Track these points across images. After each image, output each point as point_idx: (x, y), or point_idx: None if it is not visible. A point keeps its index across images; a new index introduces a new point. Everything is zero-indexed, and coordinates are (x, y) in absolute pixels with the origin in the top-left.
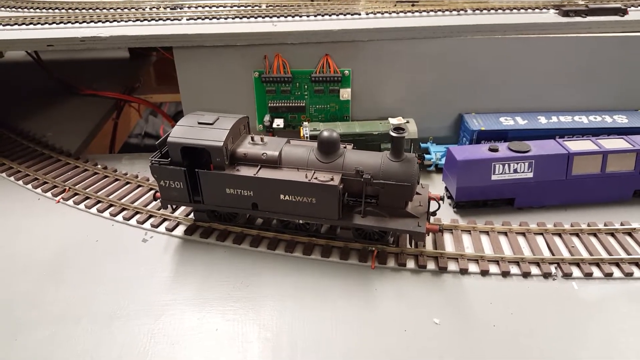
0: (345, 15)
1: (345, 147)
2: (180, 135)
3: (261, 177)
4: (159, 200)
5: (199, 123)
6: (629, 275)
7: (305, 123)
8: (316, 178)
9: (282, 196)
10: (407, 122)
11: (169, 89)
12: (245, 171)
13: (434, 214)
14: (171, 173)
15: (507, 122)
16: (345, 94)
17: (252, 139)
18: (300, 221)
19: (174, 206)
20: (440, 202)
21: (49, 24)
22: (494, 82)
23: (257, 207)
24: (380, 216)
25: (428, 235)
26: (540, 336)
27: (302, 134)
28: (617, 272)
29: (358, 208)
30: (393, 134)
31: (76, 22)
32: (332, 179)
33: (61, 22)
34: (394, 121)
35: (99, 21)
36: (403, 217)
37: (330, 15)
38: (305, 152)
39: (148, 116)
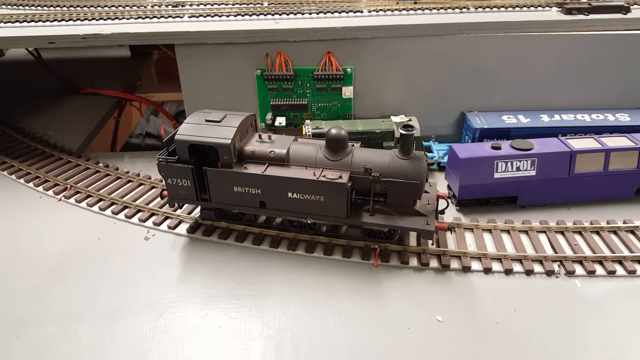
0: (347, 12)
1: (353, 145)
2: (187, 132)
3: (269, 174)
4: (166, 198)
5: (207, 121)
6: (631, 272)
7: (308, 121)
8: (324, 176)
9: (290, 194)
10: (410, 120)
11: (170, 88)
12: (253, 169)
13: (442, 212)
14: (178, 171)
15: (509, 120)
16: (347, 92)
17: (260, 136)
18: (309, 221)
19: (179, 204)
20: (449, 200)
21: (50, 22)
22: (496, 81)
23: (265, 205)
24: (388, 214)
25: (436, 234)
26: (543, 334)
27: (304, 132)
28: (620, 270)
29: (366, 206)
30: (402, 132)
31: (78, 19)
32: (340, 177)
33: (62, 20)
34: (396, 119)
35: (101, 18)
36: (411, 216)
37: (332, 13)
38: (313, 150)
39: (149, 116)
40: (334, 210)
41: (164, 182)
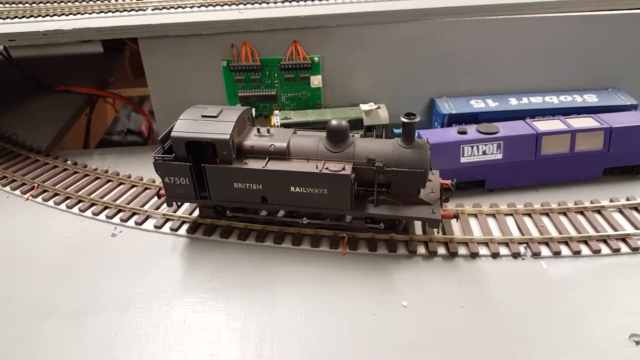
0: (312, 0)
1: (354, 136)
2: (184, 129)
3: (270, 169)
4: (163, 198)
5: (203, 116)
6: (596, 252)
7: (276, 112)
8: (327, 168)
9: (292, 188)
10: (379, 107)
11: (145, 83)
12: (254, 164)
13: (447, 200)
14: (176, 169)
15: (477, 104)
16: (316, 81)
17: (258, 130)
18: (304, 221)
19: (177, 203)
20: (453, 187)
21: (11, 19)
22: (464, 65)
23: (267, 201)
24: (393, 204)
25: (442, 222)
26: (509, 315)
27: (272, 123)
28: (585, 250)
29: (370, 197)
30: (404, 120)
31: (39, 15)
32: (343, 169)
33: (24, 17)
34: (365, 107)
35: (62, 14)
36: (417, 205)
37: (297, 1)
38: (314, 142)
39: (130, 113)
40: (337, 202)
41: (140, 180)
